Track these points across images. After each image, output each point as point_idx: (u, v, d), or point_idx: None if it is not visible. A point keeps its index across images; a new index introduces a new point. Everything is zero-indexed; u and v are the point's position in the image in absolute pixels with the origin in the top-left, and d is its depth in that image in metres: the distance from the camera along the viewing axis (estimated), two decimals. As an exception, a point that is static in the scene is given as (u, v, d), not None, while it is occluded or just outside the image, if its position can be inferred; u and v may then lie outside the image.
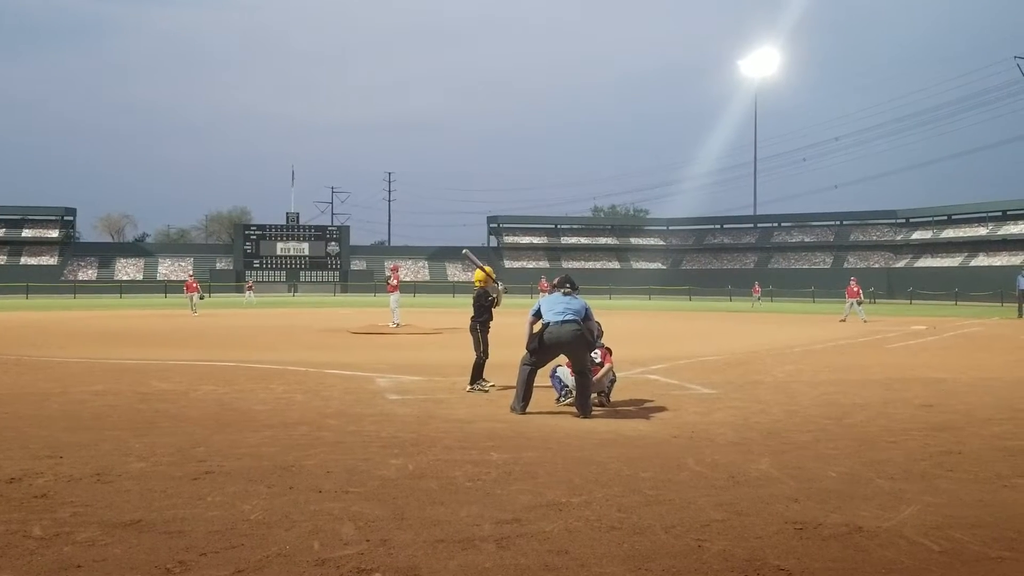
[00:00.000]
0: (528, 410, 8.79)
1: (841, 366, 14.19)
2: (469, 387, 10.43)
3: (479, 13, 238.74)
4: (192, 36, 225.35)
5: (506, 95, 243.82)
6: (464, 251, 12.55)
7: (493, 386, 10.43)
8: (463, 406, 9.23)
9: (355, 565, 4.03)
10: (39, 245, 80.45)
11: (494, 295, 10.91)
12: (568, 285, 9.46)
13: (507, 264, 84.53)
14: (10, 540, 4.35)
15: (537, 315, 9.28)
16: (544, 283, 42.80)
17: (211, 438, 7.20)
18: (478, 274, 11.13)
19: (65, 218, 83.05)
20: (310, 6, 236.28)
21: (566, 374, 9.30)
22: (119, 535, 4.45)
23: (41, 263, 78.18)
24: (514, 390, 9.09)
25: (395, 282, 25.31)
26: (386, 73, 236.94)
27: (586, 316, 9.11)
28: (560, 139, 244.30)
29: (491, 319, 10.88)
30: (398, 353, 16.09)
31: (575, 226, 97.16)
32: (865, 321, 29.38)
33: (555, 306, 9.13)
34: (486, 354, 10.65)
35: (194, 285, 35.05)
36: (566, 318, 8.96)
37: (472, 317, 10.83)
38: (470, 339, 10.79)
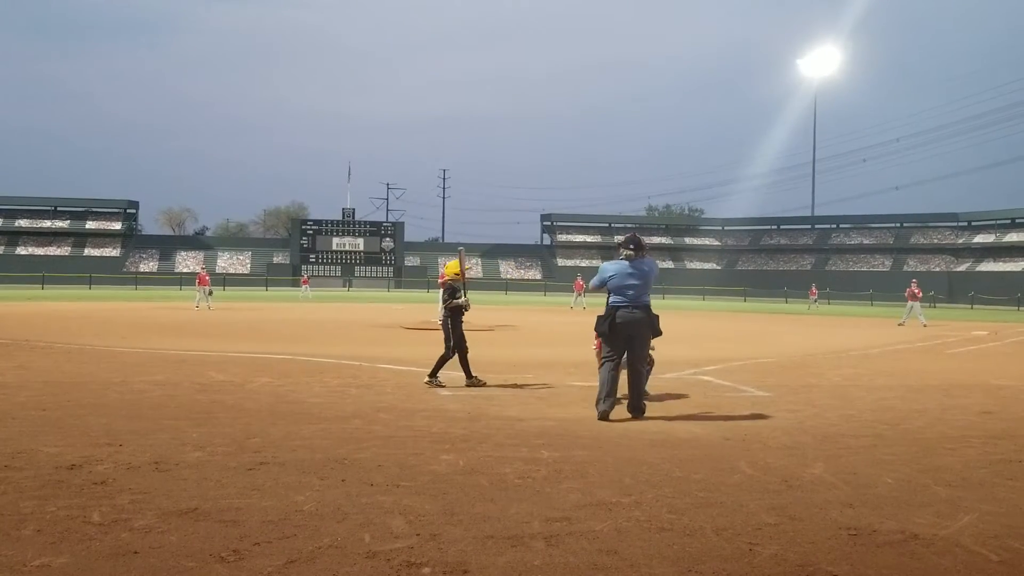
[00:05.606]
0: (580, 409, 8.74)
1: (899, 371, 13.94)
2: (427, 379, 10.47)
3: (535, 10, 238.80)
4: (252, 35, 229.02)
5: (560, 93, 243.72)
6: (460, 248, 12.00)
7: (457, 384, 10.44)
8: (515, 403, 9.24)
9: (405, 559, 4.07)
10: (102, 237, 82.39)
11: (460, 296, 10.78)
12: (632, 246, 8.59)
13: (560, 262, 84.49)
14: (70, 525, 4.46)
15: (604, 284, 8.55)
16: (580, 282, 42.27)
17: (266, 429, 7.31)
18: (451, 267, 11.07)
19: (128, 211, 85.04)
20: (366, 4, 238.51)
21: None
22: (175, 523, 4.54)
23: (104, 254, 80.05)
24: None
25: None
26: (442, 70, 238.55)
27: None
28: (615, 137, 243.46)
29: (462, 312, 10.77)
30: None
31: (629, 225, 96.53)
32: (925, 325, 28.84)
33: (623, 280, 8.41)
34: (454, 350, 10.59)
35: (206, 278, 32.53)
36: (636, 303, 8.41)
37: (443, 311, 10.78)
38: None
